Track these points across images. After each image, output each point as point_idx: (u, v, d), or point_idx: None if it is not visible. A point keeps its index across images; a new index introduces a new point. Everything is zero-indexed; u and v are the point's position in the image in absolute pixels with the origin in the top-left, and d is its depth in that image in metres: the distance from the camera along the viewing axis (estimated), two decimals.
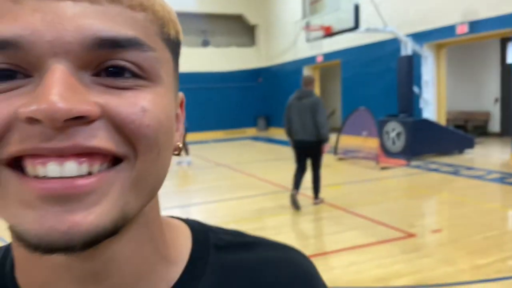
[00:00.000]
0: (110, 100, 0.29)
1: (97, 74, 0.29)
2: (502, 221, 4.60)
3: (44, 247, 0.27)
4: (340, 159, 9.15)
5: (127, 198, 0.30)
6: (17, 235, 0.28)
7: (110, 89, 0.29)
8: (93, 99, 0.28)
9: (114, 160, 0.30)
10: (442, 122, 10.26)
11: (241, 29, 18.25)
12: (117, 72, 0.29)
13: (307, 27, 9.68)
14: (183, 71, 16.62)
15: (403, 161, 8.22)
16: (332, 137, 10.65)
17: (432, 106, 9.88)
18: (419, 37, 9.75)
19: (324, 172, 8.04)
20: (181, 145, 0.38)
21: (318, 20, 10.14)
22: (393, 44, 10.43)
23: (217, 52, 17.41)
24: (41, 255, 0.28)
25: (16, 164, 0.28)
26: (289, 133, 5.22)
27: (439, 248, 3.73)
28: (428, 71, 9.69)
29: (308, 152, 5.17)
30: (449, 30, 9.23)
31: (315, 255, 3.64)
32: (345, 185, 6.67)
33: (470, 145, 9.26)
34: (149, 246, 0.36)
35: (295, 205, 5.11)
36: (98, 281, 0.33)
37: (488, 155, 9.17)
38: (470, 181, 6.58)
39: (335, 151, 9.50)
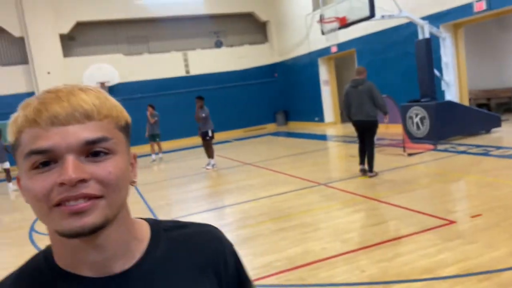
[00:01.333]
0: (94, 169, 0.58)
1: (87, 156, 0.58)
2: None
3: (73, 234, 0.57)
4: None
5: (106, 211, 0.59)
6: (60, 233, 0.58)
7: (94, 163, 0.58)
8: (87, 170, 0.57)
9: (99, 196, 0.58)
10: (465, 102, 10.12)
11: (252, 27, 18.27)
12: (96, 153, 0.59)
13: (322, 19, 9.65)
14: (199, 73, 16.82)
15: (430, 146, 8.17)
16: (350, 126, 10.64)
17: (454, 88, 9.75)
18: (435, 18, 9.62)
19: (349, 163, 8.07)
20: (136, 180, 0.68)
21: (331, 12, 10.10)
22: (409, 28, 10.31)
23: (231, 52, 17.48)
24: (70, 239, 0.59)
25: (57, 204, 0.57)
26: (349, 115, 6.47)
27: (481, 233, 3.74)
28: (447, 52, 9.56)
29: (365, 130, 6.35)
30: (466, 9, 9.08)
31: (358, 249, 3.69)
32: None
33: (497, 123, 9.12)
34: (125, 232, 0.66)
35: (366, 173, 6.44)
36: (99, 252, 0.63)
37: None
38: (502, 161, 6.50)
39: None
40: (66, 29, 15.02)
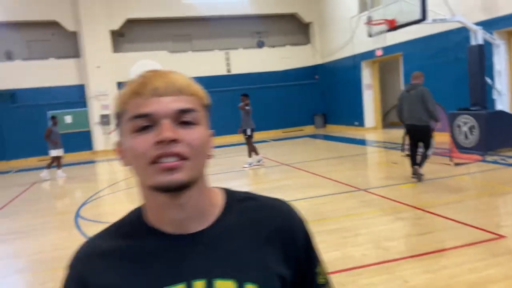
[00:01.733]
0: (183, 134, 0.68)
1: (178, 123, 0.69)
2: None
3: (164, 188, 0.68)
4: (408, 155, 8.87)
5: (190, 172, 0.69)
6: (153, 187, 0.69)
7: (183, 129, 0.69)
8: (178, 133, 0.68)
9: (186, 157, 0.68)
10: None
11: (295, 28, 18.21)
12: (185, 122, 0.69)
13: (370, 21, 9.47)
14: (240, 72, 16.96)
15: (478, 156, 7.82)
16: (397, 132, 10.33)
17: (506, 97, 9.29)
18: (489, 24, 9.20)
19: (390, 169, 7.87)
20: (212, 154, 0.76)
21: (379, 14, 9.89)
22: (460, 33, 9.93)
23: (273, 52, 17.51)
24: (160, 194, 0.70)
25: (154, 161, 0.68)
26: (401, 119, 6.57)
27: None
28: (501, 60, 9.12)
29: (418, 135, 6.36)
30: None
31: (401, 259, 3.60)
32: (418, 183, 6.47)
33: None
34: (203, 197, 0.75)
35: (418, 176, 6.37)
36: (180, 210, 0.72)
37: None
38: None
39: (402, 148, 9.23)
40: (116, 26, 15.60)
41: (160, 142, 0.66)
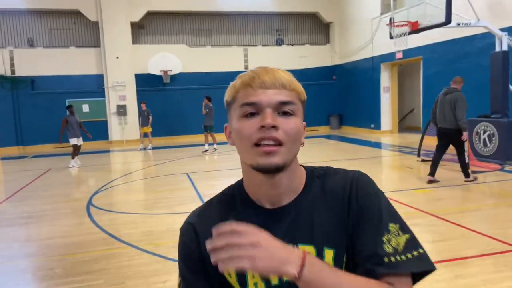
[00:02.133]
0: (282, 122, 0.80)
1: (278, 113, 0.81)
2: None
3: (263, 169, 0.81)
4: (423, 160, 8.73)
5: (285, 156, 0.80)
6: (254, 167, 0.82)
7: (282, 118, 0.81)
8: (278, 121, 0.80)
9: (282, 143, 0.80)
10: None
11: (315, 27, 18.07)
12: (284, 113, 0.82)
13: (392, 22, 9.31)
14: None
15: (496, 165, 7.64)
16: (413, 137, 10.15)
17: None
18: None
19: (405, 174, 7.74)
20: (304, 143, 0.87)
21: (401, 16, 9.71)
22: (484, 39, 9.70)
23: (291, 50, 17.41)
24: (259, 173, 0.83)
25: (256, 144, 0.80)
26: (434, 122, 6.72)
27: None
28: None
29: (449, 139, 6.44)
30: None
31: None
32: (433, 189, 6.34)
33: None
34: (293, 176, 0.88)
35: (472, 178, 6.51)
36: (274, 188, 0.86)
37: None
38: None
39: (418, 153, 9.08)
40: (137, 17, 15.69)
41: (263, 127, 0.79)
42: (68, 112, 10.50)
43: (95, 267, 3.80)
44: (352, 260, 0.83)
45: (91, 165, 10.62)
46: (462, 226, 4.48)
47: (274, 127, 0.78)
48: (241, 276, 0.86)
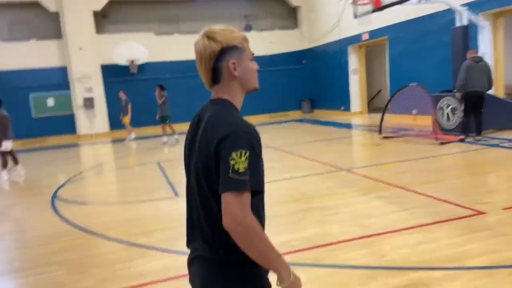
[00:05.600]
0: None
1: None
2: None
3: (256, 90, 1.41)
4: (385, 137, 8.87)
5: None
6: (252, 89, 1.38)
7: None
8: None
9: None
10: (500, 95, 9.66)
11: (283, 12, 17.98)
12: None
13: (355, 1, 9.33)
14: None
15: (460, 136, 7.84)
16: (376, 116, 10.30)
17: None
18: (475, 6, 9.15)
19: (373, 151, 7.86)
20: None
21: None
22: (445, 16, 9.88)
23: (260, 36, 17.28)
24: (246, 93, 1.39)
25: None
26: (465, 87, 7.52)
27: None
28: (485, 42, 9.08)
29: (480, 101, 7.58)
30: None
31: (379, 234, 3.56)
32: (399, 163, 6.46)
33: None
34: None
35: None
36: None
37: None
38: None
39: (379, 130, 9.19)
40: (99, 6, 15.18)
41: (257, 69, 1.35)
42: None
43: (56, 258, 3.67)
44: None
45: (57, 160, 10.30)
46: (426, 195, 4.57)
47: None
48: None
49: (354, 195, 4.93)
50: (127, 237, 4.05)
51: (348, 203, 4.65)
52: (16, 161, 8.07)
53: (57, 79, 15.02)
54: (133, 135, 12.88)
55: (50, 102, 14.93)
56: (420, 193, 4.68)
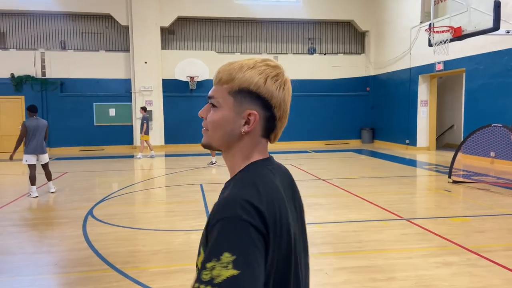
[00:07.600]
0: (208, 114, 0.96)
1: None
2: None
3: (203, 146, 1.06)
4: (455, 181, 7.80)
5: (208, 139, 0.96)
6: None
7: (211, 110, 0.95)
8: (204, 113, 0.97)
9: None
10: None
11: (350, 36, 17.31)
12: (213, 104, 0.95)
13: (431, 28, 8.46)
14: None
15: None
16: (445, 154, 9.17)
17: None
18: None
19: (442, 198, 6.86)
20: (246, 130, 0.93)
21: (443, 24, 8.84)
22: None
23: (324, 60, 16.72)
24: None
25: None
26: None
27: None
28: None
29: None
30: None
31: None
32: (475, 218, 5.47)
33: None
34: (232, 162, 0.97)
35: None
36: (226, 163, 1.00)
37: None
38: None
39: (449, 173, 8.13)
40: (167, 23, 15.53)
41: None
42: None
43: None
44: None
45: (111, 171, 10.34)
46: (508, 269, 3.65)
47: (202, 117, 0.97)
48: None
49: (415, 256, 4.11)
50: (143, 276, 3.59)
51: (407, 266, 3.85)
52: (49, 177, 7.39)
53: (120, 90, 15.47)
54: (140, 155, 12.83)
55: (112, 111, 15.36)
56: (500, 265, 3.77)
